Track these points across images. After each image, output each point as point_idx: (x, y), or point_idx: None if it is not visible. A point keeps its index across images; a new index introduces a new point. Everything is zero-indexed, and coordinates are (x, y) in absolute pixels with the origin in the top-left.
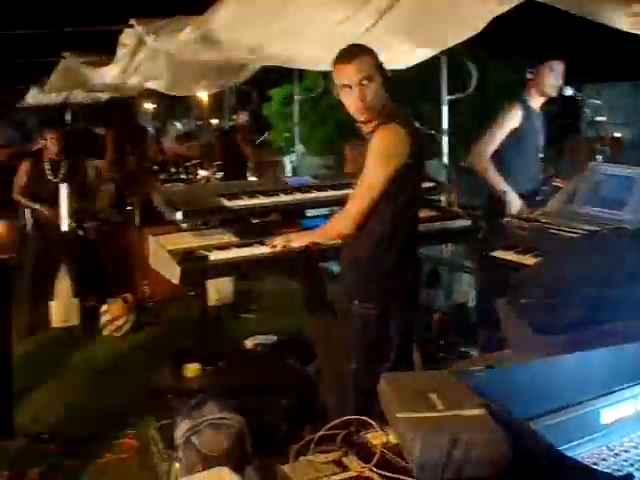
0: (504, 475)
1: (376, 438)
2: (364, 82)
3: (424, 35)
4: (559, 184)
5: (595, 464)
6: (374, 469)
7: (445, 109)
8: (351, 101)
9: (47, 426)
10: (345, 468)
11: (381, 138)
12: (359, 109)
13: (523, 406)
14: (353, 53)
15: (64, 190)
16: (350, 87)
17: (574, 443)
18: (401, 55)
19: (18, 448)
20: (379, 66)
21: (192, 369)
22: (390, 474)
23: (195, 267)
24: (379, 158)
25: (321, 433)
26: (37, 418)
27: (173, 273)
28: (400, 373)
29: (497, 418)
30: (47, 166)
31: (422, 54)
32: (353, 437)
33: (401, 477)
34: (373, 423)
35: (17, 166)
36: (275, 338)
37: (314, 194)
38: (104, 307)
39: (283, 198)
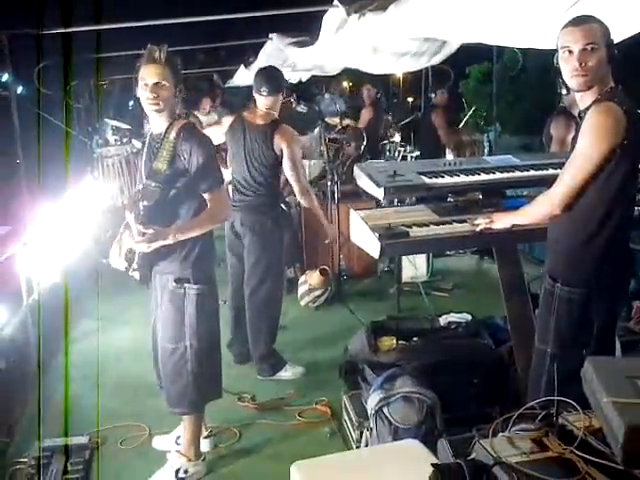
0: None
1: (578, 421)
2: (588, 47)
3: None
4: None
5: None
6: (575, 451)
7: None
8: (570, 66)
9: (247, 387)
10: (545, 448)
11: (597, 116)
12: (577, 74)
13: None
14: (584, 19)
15: None
16: (572, 52)
17: None
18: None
19: (224, 406)
20: (608, 40)
21: (386, 343)
22: (592, 457)
23: (395, 243)
24: (594, 137)
25: (521, 411)
26: (238, 379)
27: (373, 248)
28: (607, 358)
29: None
30: None
31: (634, 27)
32: (553, 418)
33: (603, 462)
34: (576, 406)
35: None
36: (469, 317)
37: (516, 174)
38: (302, 278)
39: (484, 177)
